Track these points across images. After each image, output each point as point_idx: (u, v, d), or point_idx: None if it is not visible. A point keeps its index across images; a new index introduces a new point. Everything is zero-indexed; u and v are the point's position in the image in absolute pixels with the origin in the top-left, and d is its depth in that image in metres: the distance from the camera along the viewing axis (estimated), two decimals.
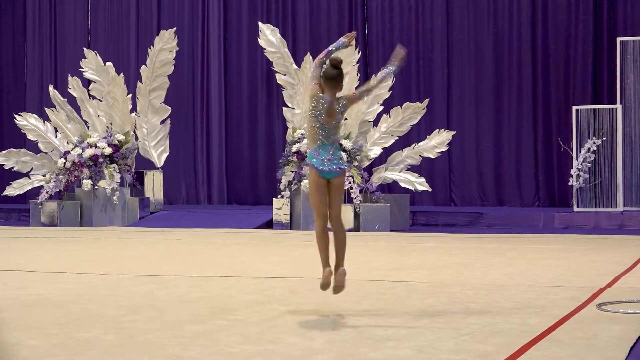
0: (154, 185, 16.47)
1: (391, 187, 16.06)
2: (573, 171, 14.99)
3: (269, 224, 14.89)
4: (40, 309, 6.48)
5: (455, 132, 15.17)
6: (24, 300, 6.89)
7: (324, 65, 6.38)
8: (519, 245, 11.76)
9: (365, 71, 17.15)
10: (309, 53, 15.18)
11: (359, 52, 14.92)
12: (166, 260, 10.08)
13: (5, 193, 16.48)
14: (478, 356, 4.89)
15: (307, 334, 5.47)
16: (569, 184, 15.18)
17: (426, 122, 16.02)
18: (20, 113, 16.67)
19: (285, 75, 15.12)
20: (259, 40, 15.37)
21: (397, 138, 14.90)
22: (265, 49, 15.31)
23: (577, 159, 14.99)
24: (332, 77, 6.35)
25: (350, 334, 5.47)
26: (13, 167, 16.29)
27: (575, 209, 15.02)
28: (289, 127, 15.06)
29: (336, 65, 6.38)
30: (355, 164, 14.35)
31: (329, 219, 6.42)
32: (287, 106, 15.13)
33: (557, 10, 16.73)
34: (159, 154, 16.30)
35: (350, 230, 14.10)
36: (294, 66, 15.04)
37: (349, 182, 14.15)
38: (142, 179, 16.28)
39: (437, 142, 14.76)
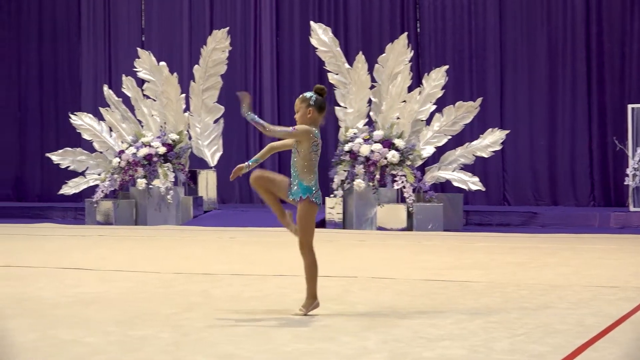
0: (208, 184, 16.56)
1: (444, 187, 15.99)
2: (629, 170, 14.81)
3: (322, 223, 14.89)
4: (97, 306, 6.55)
5: (509, 131, 15.03)
6: (81, 298, 6.97)
7: (315, 98, 6.35)
8: (573, 245, 11.64)
9: (418, 70, 17.09)
10: (361, 52, 15.16)
11: (411, 51, 14.86)
12: (220, 259, 10.13)
13: (61, 192, 16.66)
14: (533, 356, 4.85)
15: (360, 333, 5.47)
16: (625, 183, 15.00)
17: (479, 121, 15.92)
18: (75, 113, 16.85)
19: (337, 74, 15.11)
20: (311, 39, 15.38)
21: (450, 137, 14.82)
22: (317, 48, 15.31)
23: (632, 158, 14.81)
24: (325, 106, 6.41)
25: (404, 333, 5.45)
26: (69, 166, 16.47)
27: (632, 208, 14.83)
28: (341, 126, 15.05)
29: (323, 93, 6.40)
30: (408, 163, 14.30)
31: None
32: (339, 105, 15.12)
33: (612, 8, 16.55)
34: (212, 153, 16.38)
35: (403, 229, 14.08)
36: (346, 65, 15.03)
37: (402, 182, 14.12)
38: (195, 178, 16.38)
39: (490, 141, 14.66)
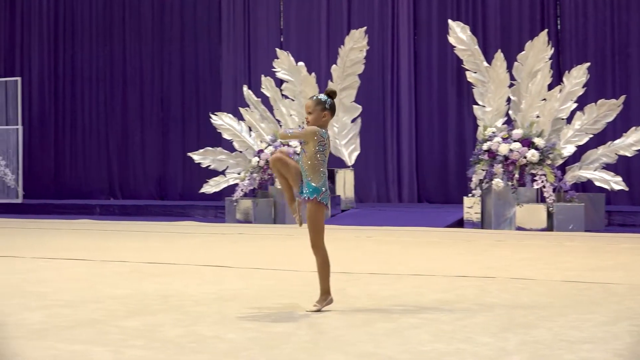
0: (345, 183, 16.65)
1: (585, 186, 15.67)
2: None
3: (460, 223, 14.79)
4: (237, 303, 6.66)
5: None
6: (221, 295, 7.09)
7: (330, 101, 6.38)
8: None
9: (558, 68, 16.80)
10: (499, 50, 14.99)
11: (551, 48, 14.62)
12: (357, 257, 10.16)
13: (202, 190, 17.02)
14: None
15: (499, 334, 5.40)
16: None
17: (622, 119, 15.56)
18: (216, 113, 17.18)
19: (475, 72, 14.98)
20: (449, 38, 15.29)
21: (591, 136, 14.51)
22: (455, 47, 15.21)
23: None
24: (335, 109, 6.49)
25: (544, 335, 5.36)
26: (209, 166, 16.81)
27: None
28: (480, 125, 14.91)
29: (334, 96, 6.45)
30: (548, 162, 14.07)
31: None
32: (477, 104, 14.99)
33: None
34: (349, 153, 16.45)
35: (543, 229, 13.86)
36: (485, 64, 14.88)
37: (542, 181, 13.90)
38: (333, 177, 16.49)
39: (634, 139, 14.28)
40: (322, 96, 6.40)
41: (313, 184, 6.33)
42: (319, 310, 6.29)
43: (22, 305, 6.56)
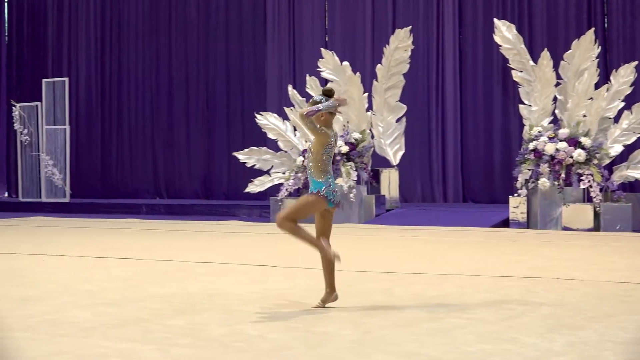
0: (390, 183, 16.63)
1: (633, 186, 15.53)
2: None
3: (505, 223, 14.72)
4: (282, 302, 6.68)
5: None
6: (266, 294, 7.12)
7: (322, 99, 6.37)
8: None
9: (605, 67, 16.66)
10: (546, 49, 14.89)
11: (598, 47, 14.49)
12: (402, 257, 10.15)
13: (247, 190, 17.07)
14: None
15: (546, 335, 5.37)
16: None
17: None
18: (261, 112, 17.23)
19: (521, 72, 14.89)
20: (494, 36, 15.21)
21: (639, 135, 14.37)
22: (500, 46, 15.12)
23: None
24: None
25: (591, 336, 5.32)
26: (254, 165, 16.86)
27: None
28: (526, 124, 14.82)
29: (332, 94, 6.45)
30: (595, 162, 13.96)
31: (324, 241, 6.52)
32: (523, 103, 14.90)
33: None
34: (394, 152, 16.43)
35: (590, 229, 13.75)
36: (531, 62, 14.79)
37: (589, 181, 13.79)
38: (378, 177, 16.48)
39: None
40: (317, 96, 6.44)
41: (317, 180, 6.39)
42: (322, 307, 6.41)
43: (71, 304, 6.64)
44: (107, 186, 23.03)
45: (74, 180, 22.08)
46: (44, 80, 21.91)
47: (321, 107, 6.34)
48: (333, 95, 6.49)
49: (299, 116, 6.42)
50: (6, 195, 24.75)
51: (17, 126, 21.77)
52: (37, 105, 21.66)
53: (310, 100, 6.47)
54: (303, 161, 15.94)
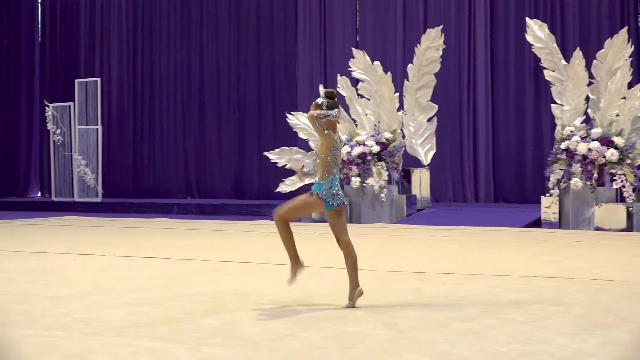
0: (421, 182, 16.60)
1: None
2: None
3: (537, 223, 14.64)
4: (313, 302, 6.68)
5: None
6: (297, 293, 7.13)
7: (327, 102, 6.42)
8: None
9: (638, 66, 16.54)
10: (578, 48, 14.80)
11: (631, 46, 14.40)
12: (433, 257, 10.13)
13: (278, 190, 17.09)
14: None
15: (577, 335, 5.34)
16: None
17: None
18: (292, 112, 17.24)
19: (553, 71, 14.81)
20: (526, 36, 15.13)
21: None
22: (532, 45, 15.05)
23: None
24: (335, 107, 6.48)
25: (624, 338, 5.29)
26: (285, 165, 16.88)
27: None
28: (558, 124, 14.74)
29: (333, 96, 6.48)
30: (628, 161, 13.86)
31: (339, 245, 6.66)
32: (555, 103, 14.82)
33: None
34: (425, 152, 16.39)
35: (623, 230, 13.65)
36: (563, 62, 14.71)
37: (621, 181, 13.69)
38: (409, 176, 16.45)
39: None
40: (320, 99, 6.46)
41: (319, 181, 6.45)
42: (353, 306, 6.41)
43: (103, 303, 6.68)
44: (138, 186, 23.15)
45: (106, 180, 22.21)
46: (76, 81, 22.06)
47: (330, 115, 6.36)
48: (334, 97, 6.51)
49: (308, 117, 6.46)
50: (39, 194, 24.93)
51: (50, 126, 21.92)
52: (69, 106, 21.80)
53: (314, 103, 6.47)
54: None
